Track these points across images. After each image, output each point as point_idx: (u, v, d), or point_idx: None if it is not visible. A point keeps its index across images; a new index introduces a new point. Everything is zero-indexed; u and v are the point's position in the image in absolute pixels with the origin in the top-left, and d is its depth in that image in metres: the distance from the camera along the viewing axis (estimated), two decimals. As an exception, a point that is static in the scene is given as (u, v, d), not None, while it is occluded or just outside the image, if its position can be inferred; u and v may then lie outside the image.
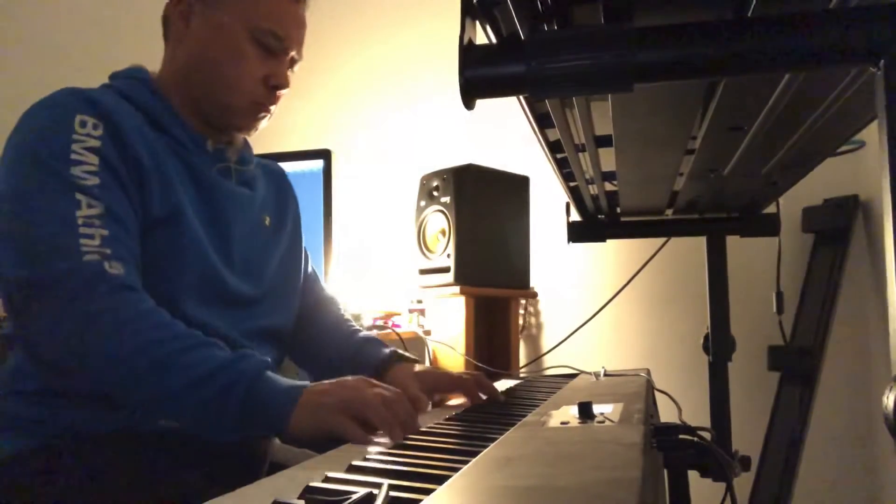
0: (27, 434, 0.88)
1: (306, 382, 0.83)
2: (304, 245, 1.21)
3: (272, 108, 1.03)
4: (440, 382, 1.03)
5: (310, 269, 1.23)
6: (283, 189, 1.18)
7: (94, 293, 0.80)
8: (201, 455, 0.88)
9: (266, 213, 1.10)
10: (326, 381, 0.83)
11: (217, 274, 0.96)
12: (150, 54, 1.06)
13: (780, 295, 1.50)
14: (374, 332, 1.68)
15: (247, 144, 1.11)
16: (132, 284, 0.84)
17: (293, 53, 1.03)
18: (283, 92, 1.03)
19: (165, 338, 0.81)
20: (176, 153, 0.96)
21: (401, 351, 1.11)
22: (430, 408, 0.99)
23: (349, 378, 0.84)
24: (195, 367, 0.80)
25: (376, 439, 0.72)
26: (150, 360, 0.79)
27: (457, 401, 1.04)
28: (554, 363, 1.84)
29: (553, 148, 0.96)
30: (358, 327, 1.20)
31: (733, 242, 1.43)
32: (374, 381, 0.83)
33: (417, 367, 1.07)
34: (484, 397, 1.02)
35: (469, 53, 0.55)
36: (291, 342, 1.14)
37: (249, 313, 1.01)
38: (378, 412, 0.75)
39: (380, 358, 1.09)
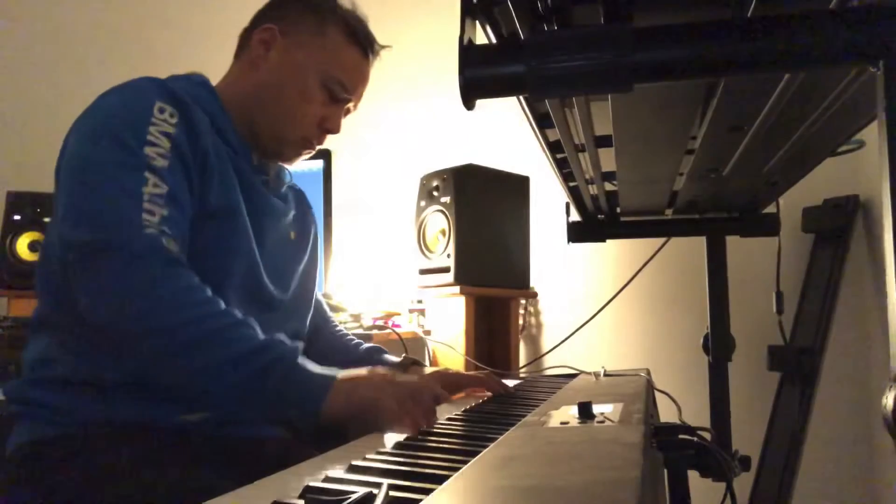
0: (46, 422, 0.89)
1: (338, 370, 0.86)
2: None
3: (318, 147, 1.11)
4: (459, 381, 1.10)
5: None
6: (304, 209, 1.24)
7: (153, 262, 0.83)
8: (216, 453, 0.90)
9: (292, 229, 1.16)
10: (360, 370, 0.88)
11: (258, 274, 1.01)
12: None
13: (780, 295, 1.50)
14: (374, 332, 1.69)
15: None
16: (184, 262, 0.87)
17: (351, 105, 1.12)
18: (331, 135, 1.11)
19: (214, 313, 0.84)
20: (229, 157, 1.01)
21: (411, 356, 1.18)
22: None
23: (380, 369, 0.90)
24: (239, 343, 0.83)
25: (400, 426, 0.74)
26: (200, 331, 0.82)
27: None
28: (554, 363, 1.84)
29: (553, 148, 0.96)
30: (359, 340, 1.26)
31: (733, 242, 1.43)
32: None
33: (429, 370, 1.13)
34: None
35: (469, 53, 0.55)
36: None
37: (274, 317, 1.04)
38: (417, 398, 0.79)
39: (394, 362, 1.15)
